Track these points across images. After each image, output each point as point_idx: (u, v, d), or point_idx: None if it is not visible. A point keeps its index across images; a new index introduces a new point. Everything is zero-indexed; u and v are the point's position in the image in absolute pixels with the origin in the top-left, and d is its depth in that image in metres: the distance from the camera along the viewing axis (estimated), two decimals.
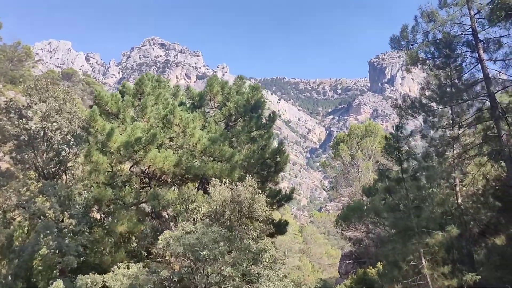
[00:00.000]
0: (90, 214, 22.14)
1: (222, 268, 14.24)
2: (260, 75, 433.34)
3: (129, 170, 24.29)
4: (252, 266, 15.31)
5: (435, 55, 22.02)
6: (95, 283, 16.37)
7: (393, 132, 19.15)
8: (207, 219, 18.47)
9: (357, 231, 31.89)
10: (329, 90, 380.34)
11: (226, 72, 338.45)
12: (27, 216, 21.07)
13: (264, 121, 25.87)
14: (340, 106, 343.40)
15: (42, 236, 20.38)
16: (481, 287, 20.00)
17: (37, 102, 23.39)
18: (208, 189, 19.97)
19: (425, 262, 18.57)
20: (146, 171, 24.89)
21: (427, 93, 23.26)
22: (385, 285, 21.11)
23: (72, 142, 22.52)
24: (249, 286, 14.52)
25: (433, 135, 22.90)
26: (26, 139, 22.34)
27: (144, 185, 24.53)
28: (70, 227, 20.80)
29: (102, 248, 21.50)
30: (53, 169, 22.72)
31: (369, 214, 27.20)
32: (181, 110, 24.47)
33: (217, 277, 14.11)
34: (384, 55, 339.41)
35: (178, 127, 24.06)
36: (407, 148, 19.14)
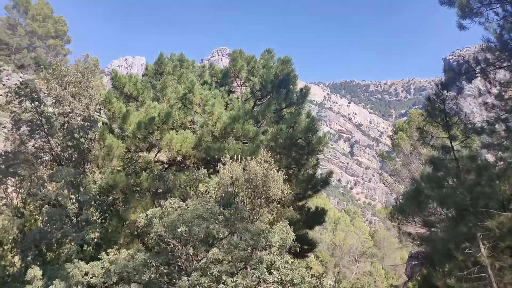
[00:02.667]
0: (105, 201, 20.41)
1: (210, 250, 11.66)
2: (329, 79, 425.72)
3: (147, 155, 22.43)
4: (254, 250, 12.56)
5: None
6: (82, 270, 14.41)
7: (438, 91, 15.59)
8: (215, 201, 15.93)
9: (417, 224, 27.84)
10: (402, 91, 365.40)
11: None
12: (37, 204, 19.82)
13: (295, 97, 22.96)
14: (414, 107, 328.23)
15: (53, 226, 18.95)
16: None
17: (55, 87, 22.22)
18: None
19: (485, 249, 14.74)
20: (168, 158, 22.94)
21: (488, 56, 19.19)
22: (436, 281, 17.42)
23: (87, 126, 21.00)
24: (250, 270, 11.75)
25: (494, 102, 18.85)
26: (40, 123, 21.15)
27: (164, 171, 22.52)
28: (82, 216, 19.19)
29: (115, 239, 19.68)
30: (68, 155, 21.31)
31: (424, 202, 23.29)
32: (203, 88, 22.26)
33: (202, 261, 11.57)
34: (460, 51, 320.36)
35: (199, 107, 21.87)
36: (456, 109, 15.47)
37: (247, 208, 16.06)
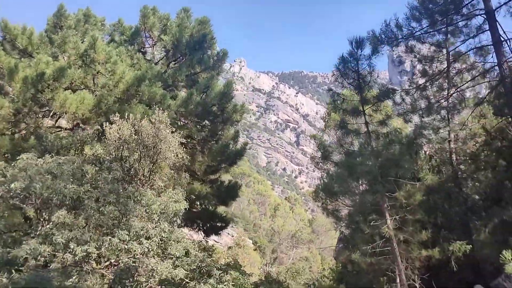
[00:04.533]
0: None
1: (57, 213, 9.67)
2: (278, 69, 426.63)
3: (45, 120, 19.88)
4: (124, 216, 10.68)
5: None
6: None
7: (352, 50, 14.22)
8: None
9: (341, 203, 26.82)
10: None
11: (243, 66, 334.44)
12: None
13: (211, 61, 21.08)
14: None
15: None
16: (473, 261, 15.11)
17: None
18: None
19: (391, 221, 13.63)
20: (68, 124, 20.48)
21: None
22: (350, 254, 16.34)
23: None
24: (106, 238, 9.84)
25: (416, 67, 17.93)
26: None
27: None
28: None
29: None
30: None
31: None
32: (108, 46, 19.92)
33: (48, 226, 9.62)
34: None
35: (102, 66, 19.53)
36: (369, 69, 14.17)
37: (142, 173, 14.19)
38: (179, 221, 12.89)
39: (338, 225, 27.34)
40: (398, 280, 14.59)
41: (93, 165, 12.09)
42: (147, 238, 10.41)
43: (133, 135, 13.72)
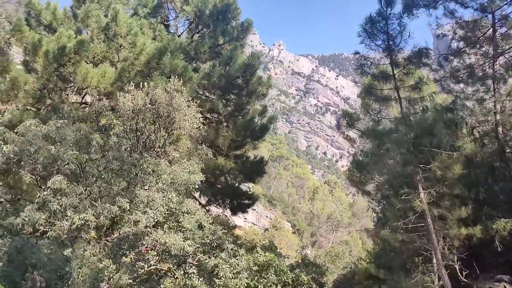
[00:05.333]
0: None
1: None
2: (318, 52, 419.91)
3: (70, 96, 19.64)
4: (131, 185, 10.05)
5: None
6: None
7: (381, 8, 12.93)
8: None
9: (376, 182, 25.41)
10: None
11: (282, 49, 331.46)
12: None
13: (235, 32, 20.14)
14: None
15: None
16: None
17: None
18: None
19: (425, 195, 12.40)
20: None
21: None
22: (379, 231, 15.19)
23: None
24: (105, 205, 9.20)
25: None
26: None
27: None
28: None
29: None
30: None
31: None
32: (130, 19, 19.35)
33: (46, 192, 9.07)
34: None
35: (124, 40, 19.02)
36: (399, 29, 12.83)
37: (158, 145, 13.58)
38: (193, 193, 12.21)
39: (371, 204, 26.10)
40: (434, 260, 13.41)
41: (101, 133, 11.50)
42: (153, 208, 9.75)
43: (147, 104, 13.05)
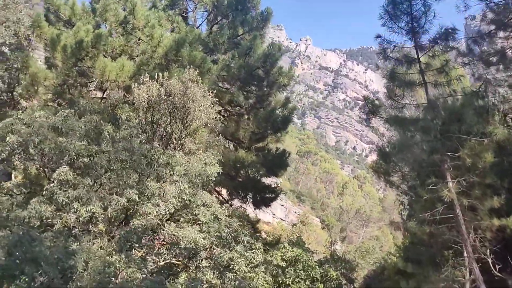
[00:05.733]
0: None
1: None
2: (346, 46, 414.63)
3: (91, 91, 19.60)
4: (142, 177, 9.74)
5: None
6: None
7: None
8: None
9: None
10: None
11: (309, 44, 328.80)
12: None
13: (255, 22, 19.64)
14: None
15: None
16: None
17: None
18: None
19: (453, 184, 11.67)
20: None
21: None
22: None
23: (11, 56, 18.17)
24: (114, 197, 8.87)
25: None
26: None
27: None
28: None
29: None
30: None
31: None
32: (149, 12, 19.14)
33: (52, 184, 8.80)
34: None
35: (142, 33, 18.82)
36: (423, 9, 12.08)
37: (175, 137, 13.28)
38: (211, 185, 11.85)
39: (400, 197, 25.19)
40: (465, 254, 12.66)
41: (113, 125, 11.24)
42: (165, 200, 9.41)
43: (162, 95, 12.76)
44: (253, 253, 9.48)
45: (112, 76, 17.67)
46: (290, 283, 28.41)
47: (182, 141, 12.84)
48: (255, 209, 21.31)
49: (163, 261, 9.59)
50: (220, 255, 9.60)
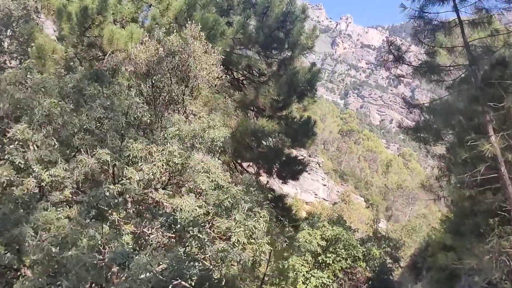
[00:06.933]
0: None
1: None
2: (388, 22, 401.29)
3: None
4: (124, 137, 8.54)
5: None
6: None
7: None
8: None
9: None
10: None
11: (350, 22, 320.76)
12: None
13: None
14: None
15: None
16: None
17: None
18: None
19: (497, 139, 9.83)
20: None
21: None
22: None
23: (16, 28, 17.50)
24: (80, 157, 7.66)
25: None
26: None
27: None
28: None
29: None
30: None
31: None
32: None
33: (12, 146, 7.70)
34: None
35: None
36: None
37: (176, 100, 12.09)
38: (217, 150, 10.57)
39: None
40: None
41: (95, 82, 10.04)
42: (149, 163, 8.17)
43: (161, 53, 11.52)
44: (254, 221, 8.13)
45: (120, 44, 16.60)
46: (331, 262, 27.15)
47: (184, 104, 11.58)
48: (282, 183, 19.94)
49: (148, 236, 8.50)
50: (218, 224, 8.33)
